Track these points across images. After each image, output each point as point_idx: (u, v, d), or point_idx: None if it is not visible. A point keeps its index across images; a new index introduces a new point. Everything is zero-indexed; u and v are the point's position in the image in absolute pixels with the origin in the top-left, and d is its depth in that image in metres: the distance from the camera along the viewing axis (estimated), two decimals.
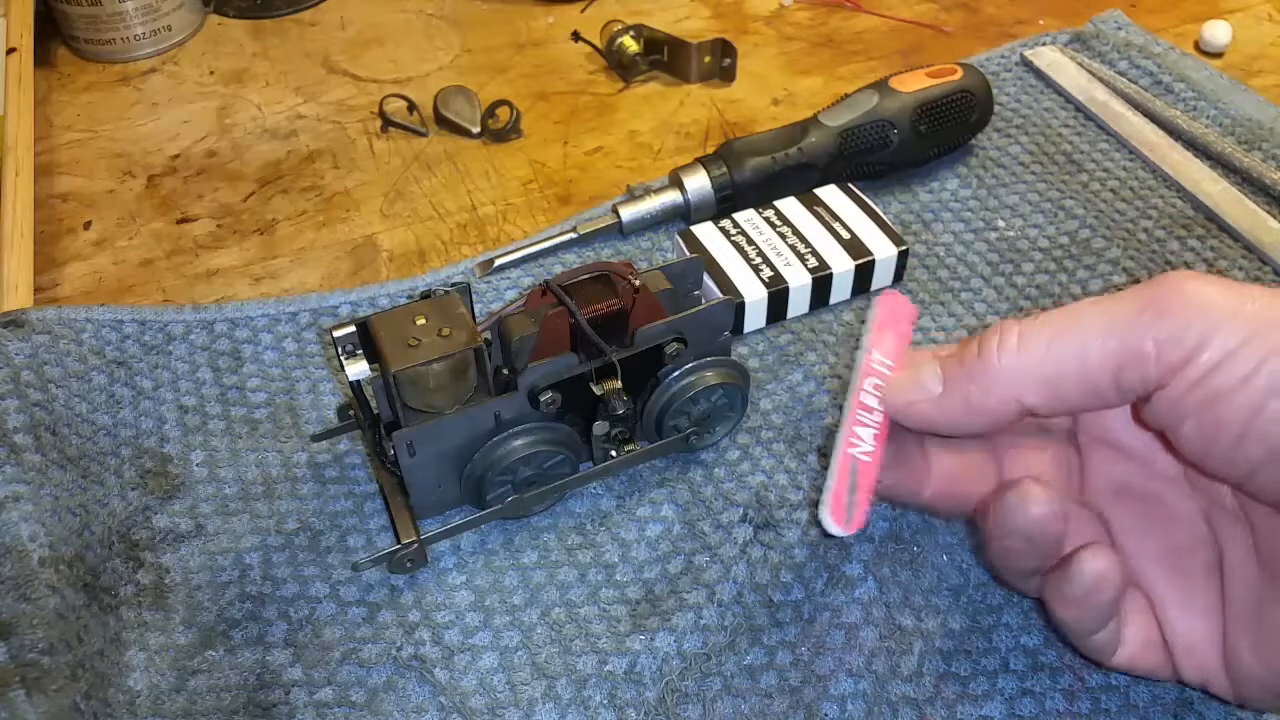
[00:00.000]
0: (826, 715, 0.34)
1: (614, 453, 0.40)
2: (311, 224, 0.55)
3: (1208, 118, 0.57)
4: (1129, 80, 0.60)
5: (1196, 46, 0.65)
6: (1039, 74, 0.62)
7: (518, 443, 0.38)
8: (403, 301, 0.41)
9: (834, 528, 0.32)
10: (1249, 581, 0.30)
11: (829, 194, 0.50)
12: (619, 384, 0.38)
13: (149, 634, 0.37)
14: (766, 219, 0.49)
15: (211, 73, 0.67)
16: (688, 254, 0.48)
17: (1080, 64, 0.62)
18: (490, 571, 0.38)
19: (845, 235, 0.48)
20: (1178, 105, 0.58)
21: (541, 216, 0.55)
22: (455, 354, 0.36)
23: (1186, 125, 0.56)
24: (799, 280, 0.46)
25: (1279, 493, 0.27)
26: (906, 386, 0.32)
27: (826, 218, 0.49)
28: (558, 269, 0.50)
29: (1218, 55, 0.65)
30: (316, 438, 0.42)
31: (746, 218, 0.49)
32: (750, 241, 0.48)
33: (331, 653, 0.36)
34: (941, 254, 0.51)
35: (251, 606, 0.37)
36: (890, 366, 0.33)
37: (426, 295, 0.37)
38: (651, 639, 0.36)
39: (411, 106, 0.61)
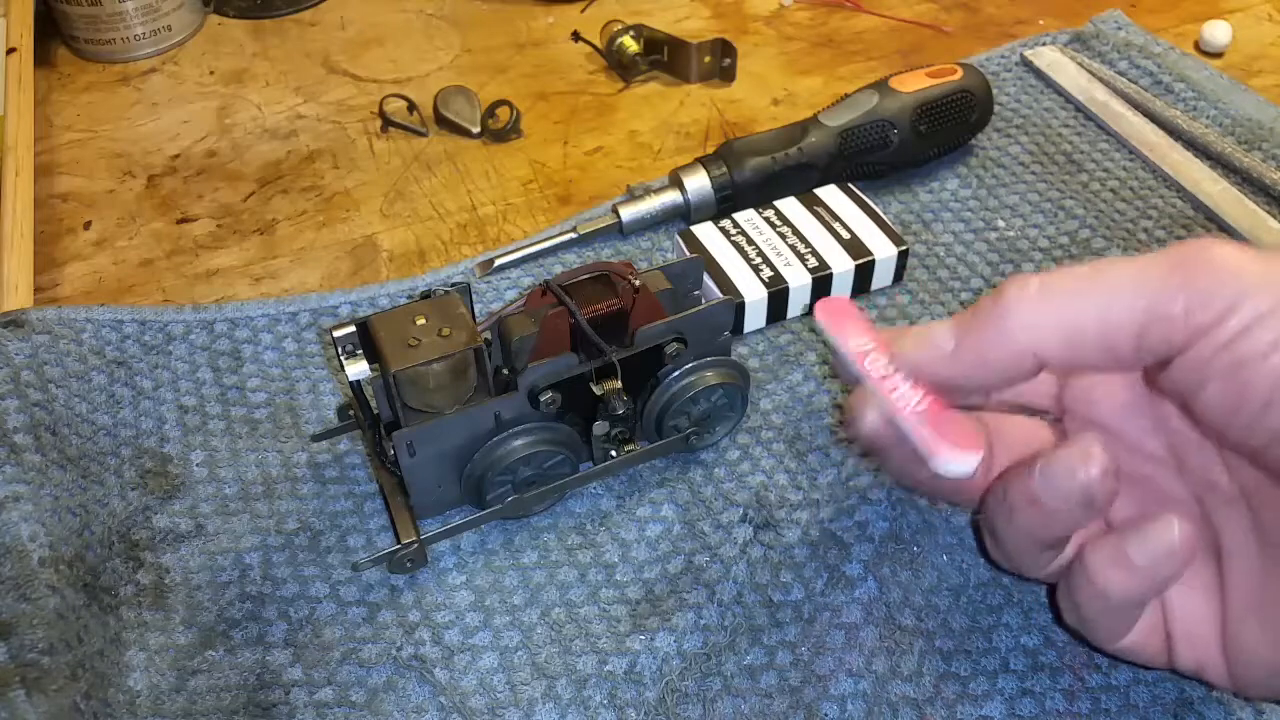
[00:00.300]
0: (826, 715, 0.34)
1: (614, 453, 0.40)
2: (311, 224, 0.55)
3: (1208, 118, 0.57)
4: (1129, 80, 0.60)
5: (1196, 46, 0.65)
6: (1039, 74, 0.62)
7: (518, 443, 0.38)
8: (403, 301, 0.41)
9: (957, 463, 0.30)
10: (1251, 564, 0.29)
11: (829, 194, 0.50)
12: (619, 384, 0.38)
13: (149, 634, 0.37)
14: (766, 219, 0.49)
15: (211, 73, 0.67)
16: (688, 254, 0.48)
17: (1080, 64, 0.62)
18: (490, 571, 0.38)
19: (845, 235, 0.48)
20: (1178, 105, 0.58)
21: (541, 216, 0.55)
22: (455, 354, 0.36)
23: (1186, 125, 0.56)
24: (799, 280, 0.46)
25: None
26: (918, 344, 0.31)
27: (826, 218, 0.49)
28: (558, 269, 0.50)
29: (1218, 55, 0.65)
30: (316, 438, 0.42)
31: (746, 218, 0.49)
32: (750, 241, 0.48)
33: (331, 653, 0.36)
34: (941, 254, 0.51)
35: (251, 606, 0.37)
36: (872, 342, 0.33)
37: (426, 295, 0.37)
38: (651, 639, 0.36)
39: (411, 106, 0.61)
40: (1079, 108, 0.59)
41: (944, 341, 0.30)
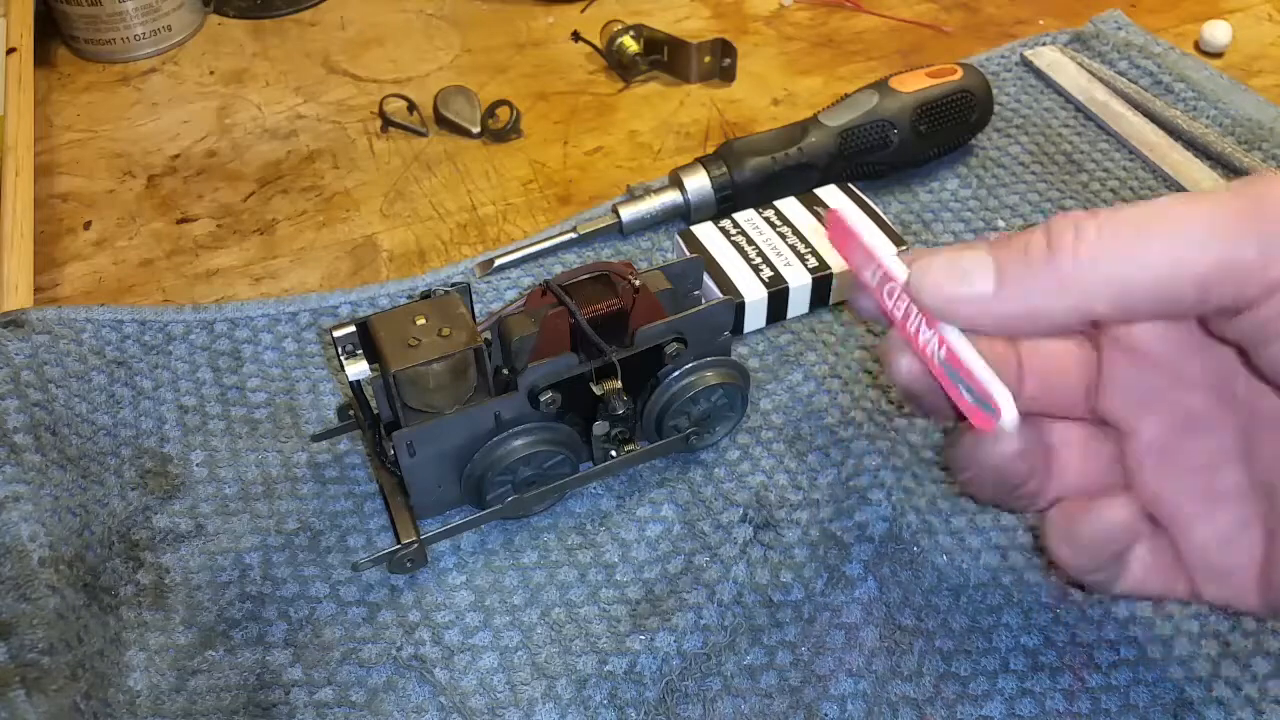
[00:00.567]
0: (826, 715, 0.34)
1: (614, 453, 0.40)
2: (311, 224, 0.55)
3: (1208, 118, 0.57)
4: (1129, 80, 0.60)
5: (1196, 46, 0.65)
6: (1039, 74, 0.62)
7: (518, 443, 0.38)
8: (403, 301, 0.41)
9: (1011, 410, 0.27)
10: None
11: (829, 194, 0.50)
12: (619, 384, 0.38)
13: (149, 634, 0.37)
14: (766, 219, 0.49)
15: (211, 73, 0.67)
16: (688, 254, 0.48)
17: (1080, 64, 0.62)
18: (490, 571, 0.38)
19: None
20: (1178, 105, 0.58)
21: (541, 216, 0.55)
22: (455, 354, 0.36)
23: (1186, 125, 0.56)
24: (799, 280, 0.46)
25: None
26: (946, 277, 0.27)
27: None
28: (558, 269, 0.50)
29: (1218, 55, 0.65)
30: (316, 438, 0.42)
31: (746, 218, 0.49)
32: (750, 241, 0.48)
33: (331, 653, 0.36)
34: None
35: (251, 606, 0.37)
36: (885, 263, 0.29)
37: (426, 295, 0.37)
38: (651, 639, 0.36)
39: (411, 106, 0.61)
40: (1079, 108, 0.59)
41: (981, 282, 0.26)
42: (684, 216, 0.52)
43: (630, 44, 0.64)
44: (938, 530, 0.39)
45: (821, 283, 0.47)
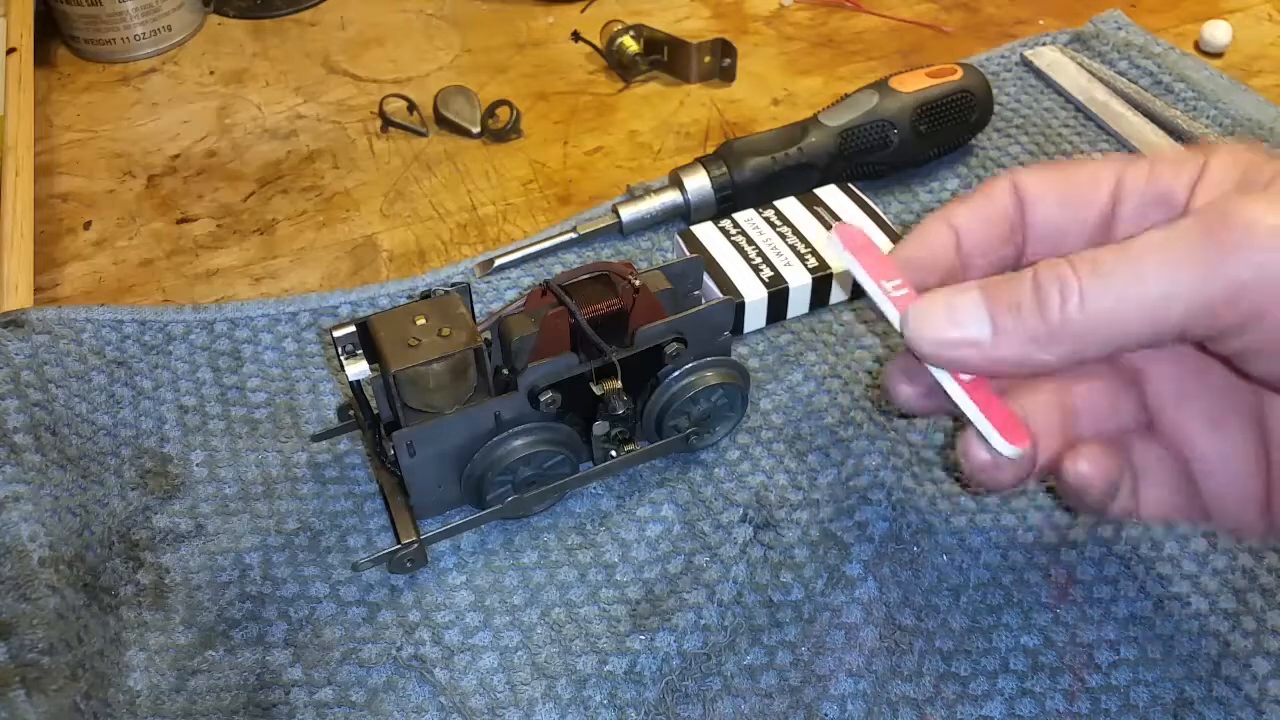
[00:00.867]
0: (826, 715, 0.34)
1: (614, 453, 0.40)
2: (311, 224, 0.55)
3: (1208, 118, 0.57)
4: (1129, 80, 0.60)
5: (1196, 46, 0.65)
6: (1039, 74, 0.62)
7: (518, 443, 0.38)
8: (403, 301, 0.41)
9: (1011, 449, 0.29)
10: None
11: (829, 194, 0.50)
12: (619, 384, 0.38)
13: (149, 634, 0.37)
14: (766, 219, 0.49)
15: (211, 73, 0.67)
16: (688, 254, 0.48)
17: (1080, 64, 0.62)
18: (490, 571, 0.38)
19: None
20: (1178, 105, 0.58)
21: (541, 216, 0.55)
22: (455, 354, 0.36)
23: (1186, 125, 0.56)
24: (799, 280, 0.46)
25: None
26: (939, 320, 0.28)
27: (826, 218, 0.49)
28: (558, 269, 0.50)
29: (1218, 55, 0.65)
30: (316, 438, 0.42)
31: (746, 218, 0.49)
32: (750, 241, 0.48)
33: (331, 653, 0.36)
34: None
35: (251, 606, 0.37)
36: (902, 286, 0.30)
37: (426, 295, 0.37)
38: (651, 639, 0.36)
39: (411, 106, 0.61)
40: (1079, 108, 0.59)
41: (976, 328, 0.28)
42: (684, 216, 0.52)
43: (630, 44, 0.64)
44: (938, 530, 0.39)
45: (821, 283, 0.47)
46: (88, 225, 0.55)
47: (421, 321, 0.36)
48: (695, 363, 0.40)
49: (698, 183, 0.51)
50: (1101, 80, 0.60)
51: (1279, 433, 0.30)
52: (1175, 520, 0.32)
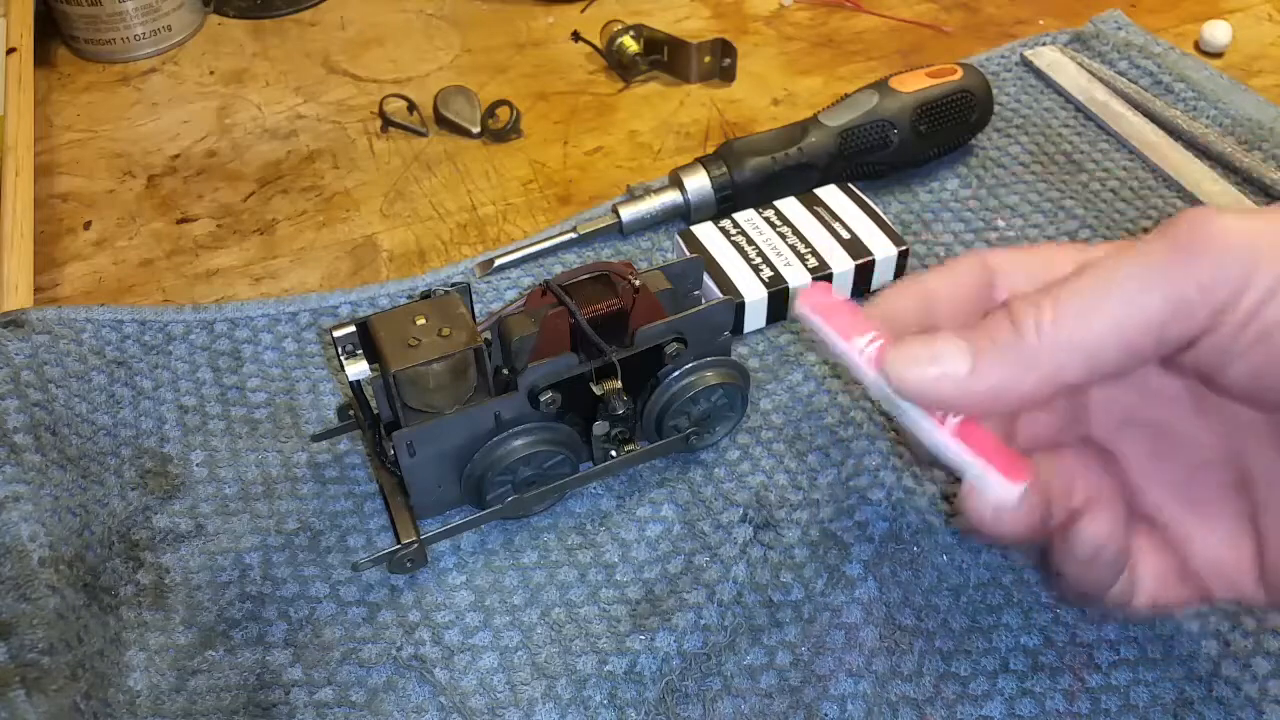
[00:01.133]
0: (826, 715, 0.34)
1: (614, 453, 0.40)
2: (311, 224, 0.55)
3: (1208, 118, 0.57)
4: (1129, 80, 0.60)
5: (1196, 46, 0.65)
6: (1039, 74, 0.62)
7: (518, 443, 0.38)
8: (403, 301, 0.41)
9: (1014, 488, 0.28)
10: None
11: (829, 194, 0.50)
12: (619, 384, 0.38)
13: (149, 634, 0.37)
14: (766, 219, 0.49)
15: (211, 73, 0.67)
16: (688, 254, 0.48)
17: (1080, 64, 0.62)
18: (490, 571, 0.38)
19: (845, 235, 0.48)
20: (1178, 105, 0.58)
21: (541, 216, 0.55)
22: (455, 354, 0.36)
23: (1186, 125, 0.56)
24: (799, 280, 0.46)
25: None
26: (920, 360, 0.28)
27: (826, 218, 0.49)
28: (558, 269, 0.50)
29: (1218, 55, 0.65)
30: (316, 438, 0.42)
31: (746, 218, 0.49)
32: (750, 241, 0.48)
33: (331, 653, 0.36)
34: (941, 254, 0.51)
35: (251, 606, 0.37)
36: (876, 339, 0.29)
37: (426, 295, 0.37)
38: (651, 639, 0.36)
39: (411, 106, 0.61)
40: (1079, 108, 0.59)
41: (956, 363, 0.28)
42: (684, 216, 0.52)
43: (630, 44, 0.64)
44: (938, 530, 0.39)
45: (821, 283, 0.47)
46: (88, 225, 0.55)
47: (421, 321, 0.36)
48: (695, 363, 0.40)
49: (698, 183, 0.51)
50: (1101, 80, 0.60)
51: (1264, 500, 0.29)
52: (1175, 604, 0.32)
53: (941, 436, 0.28)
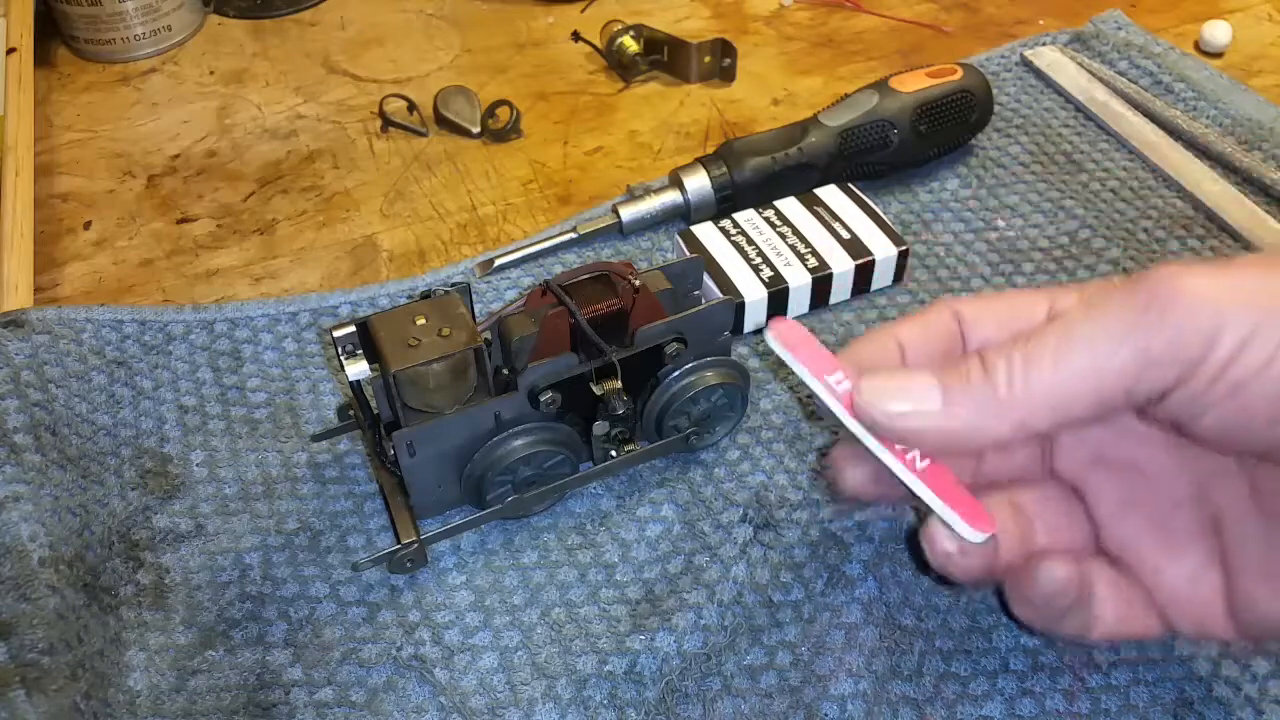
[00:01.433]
0: (826, 715, 0.34)
1: (614, 453, 0.40)
2: (311, 224, 0.55)
3: (1208, 118, 0.57)
4: (1129, 80, 0.60)
5: (1196, 46, 0.65)
6: (1039, 74, 0.62)
7: (518, 443, 0.38)
8: (403, 301, 0.41)
9: (977, 535, 0.29)
10: (1254, 531, 0.29)
11: (829, 194, 0.50)
12: (619, 384, 0.38)
13: (149, 634, 0.37)
14: (766, 219, 0.49)
15: (211, 73, 0.67)
16: (688, 254, 0.48)
17: (1080, 64, 0.62)
18: (490, 571, 0.38)
19: (845, 235, 0.48)
20: (1178, 105, 0.58)
21: (541, 216, 0.55)
22: (455, 354, 0.36)
23: (1186, 125, 0.56)
24: (799, 280, 0.46)
25: None
26: (893, 395, 0.29)
27: (826, 218, 0.49)
28: (558, 269, 0.50)
29: (1218, 55, 0.65)
30: (316, 438, 0.42)
31: (746, 218, 0.49)
32: (750, 241, 0.48)
33: (331, 653, 0.36)
34: (941, 254, 0.51)
35: (251, 606, 0.37)
36: (843, 380, 0.30)
37: (426, 295, 0.37)
38: (651, 639, 0.36)
39: (411, 106, 0.61)
40: (1079, 108, 0.59)
41: (928, 401, 0.28)
42: (684, 216, 0.52)
43: (630, 44, 0.64)
44: None
45: (821, 283, 0.47)
46: (88, 225, 0.55)
47: (421, 321, 0.36)
48: (695, 363, 0.40)
49: (698, 183, 0.51)
50: (1101, 80, 0.60)
51: (1234, 539, 0.30)
52: (1134, 637, 0.32)
53: (909, 478, 0.29)
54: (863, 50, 0.67)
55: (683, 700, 0.35)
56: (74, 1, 0.65)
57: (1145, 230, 0.52)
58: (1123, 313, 0.26)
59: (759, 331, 0.47)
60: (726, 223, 0.49)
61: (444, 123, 0.61)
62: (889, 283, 0.49)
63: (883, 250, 0.47)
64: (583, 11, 0.71)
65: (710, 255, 0.47)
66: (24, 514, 0.37)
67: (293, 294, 0.50)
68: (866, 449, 0.30)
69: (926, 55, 0.66)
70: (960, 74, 0.53)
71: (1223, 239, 0.51)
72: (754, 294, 0.46)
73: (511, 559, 0.39)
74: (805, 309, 0.47)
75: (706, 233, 0.49)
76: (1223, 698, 0.34)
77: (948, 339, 0.33)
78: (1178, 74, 0.59)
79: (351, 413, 0.42)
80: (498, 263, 0.50)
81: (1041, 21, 0.69)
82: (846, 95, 0.53)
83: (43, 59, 0.67)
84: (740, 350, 0.46)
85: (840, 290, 0.48)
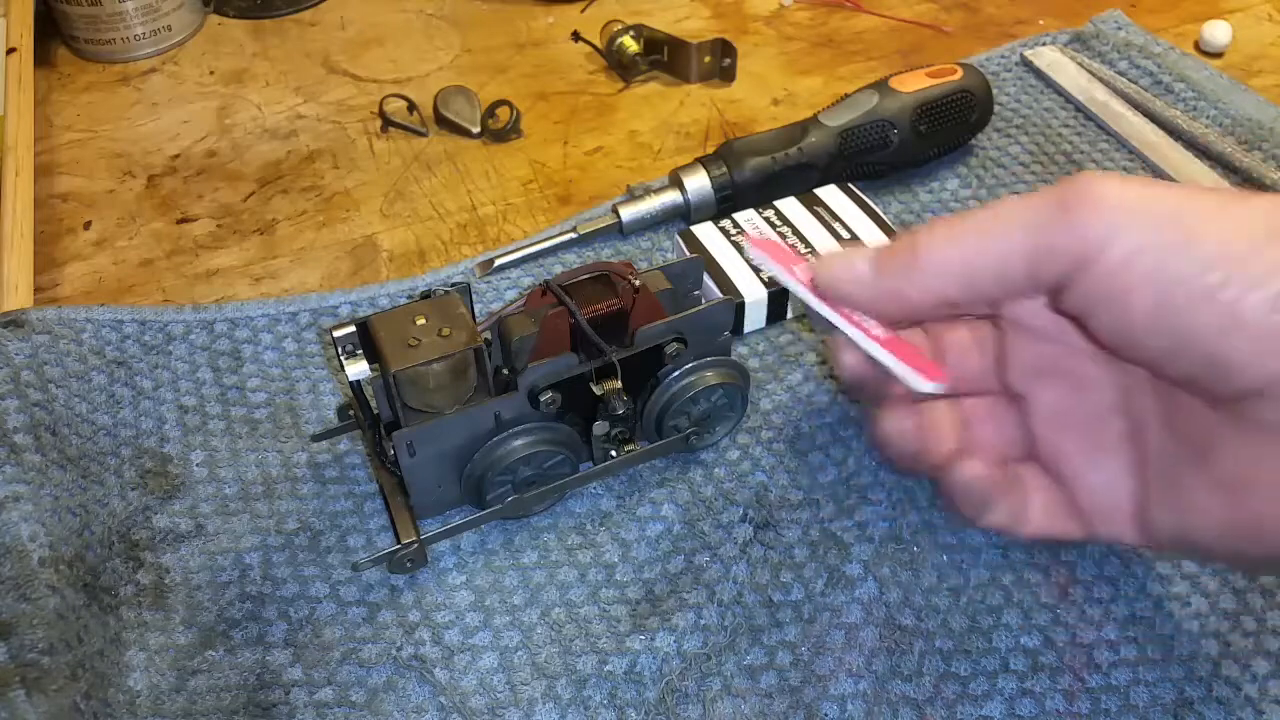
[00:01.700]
0: (826, 715, 0.34)
1: (614, 453, 0.40)
2: (311, 224, 0.55)
3: (1208, 118, 0.57)
4: (1129, 80, 0.60)
5: (1196, 46, 0.65)
6: (1039, 74, 0.62)
7: (518, 443, 0.38)
8: (403, 301, 0.41)
9: (928, 385, 0.33)
10: (1164, 447, 0.31)
11: (829, 194, 0.50)
12: (619, 384, 0.38)
13: (149, 634, 0.37)
14: (766, 219, 0.49)
15: (211, 73, 0.67)
16: (688, 254, 0.48)
17: (1080, 64, 0.62)
18: (490, 571, 0.38)
19: (845, 235, 0.48)
20: (1178, 105, 0.58)
21: (541, 216, 0.55)
22: (455, 354, 0.36)
23: (1186, 125, 0.56)
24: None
25: (1185, 378, 0.28)
26: (837, 265, 0.33)
27: (826, 218, 0.49)
28: (558, 269, 0.50)
29: (1218, 55, 0.65)
30: (316, 438, 0.42)
31: (746, 218, 0.49)
32: None
33: (331, 653, 0.36)
34: None
35: (251, 606, 0.37)
36: (807, 270, 0.34)
37: (426, 295, 0.37)
38: (651, 639, 0.36)
39: (411, 106, 0.61)
40: (1079, 108, 0.59)
41: (862, 269, 0.32)
42: (684, 216, 0.52)
43: (630, 44, 0.64)
44: (938, 530, 0.39)
45: None
46: (88, 225, 0.55)
47: (421, 321, 0.36)
48: (695, 363, 0.40)
49: (698, 183, 0.51)
50: (1101, 80, 0.60)
51: (1152, 448, 0.32)
52: (1058, 536, 0.34)
53: (866, 341, 0.33)
54: (863, 50, 0.67)
55: (683, 700, 0.35)
56: (74, 1, 0.65)
57: None
58: (1039, 204, 0.29)
59: (759, 331, 0.47)
60: (726, 223, 0.49)
61: (444, 123, 0.61)
62: None
63: None
64: (583, 11, 0.71)
65: (710, 255, 0.47)
66: (24, 514, 0.37)
67: (293, 294, 0.50)
68: (831, 324, 0.34)
69: (926, 55, 0.66)
70: (960, 74, 0.53)
71: None
72: (754, 294, 0.46)
73: (511, 559, 0.39)
74: (806, 309, 0.47)
75: (706, 233, 0.49)
76: (1223, 698, 0.34)
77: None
78: (1178, 74, 0.59)
79: (351, 413, 0.42)
80: (498, 263, 0.50)
81: (1041, 21, 0.69)
82: (846, 95, 0.53)
83: (43, 59, 0.67)
84: (740, 350, 0.46)
85: None
